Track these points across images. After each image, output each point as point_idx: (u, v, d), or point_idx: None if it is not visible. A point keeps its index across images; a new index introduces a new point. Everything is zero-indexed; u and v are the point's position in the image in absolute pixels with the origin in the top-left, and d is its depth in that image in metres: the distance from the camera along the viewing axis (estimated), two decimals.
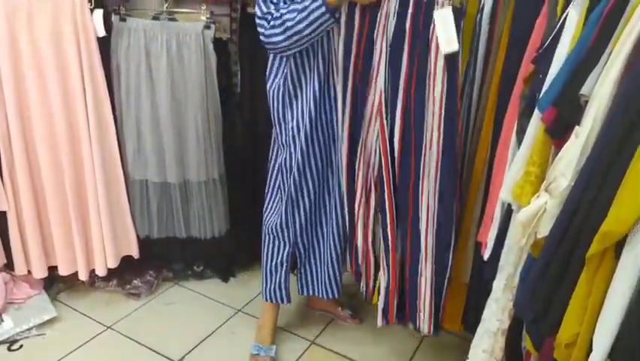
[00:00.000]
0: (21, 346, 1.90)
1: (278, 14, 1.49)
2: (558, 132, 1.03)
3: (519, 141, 1.18)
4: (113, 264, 2.07)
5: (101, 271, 2.08)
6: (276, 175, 1.79)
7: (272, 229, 1.82)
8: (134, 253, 2.14)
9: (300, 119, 1.67)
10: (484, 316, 1.34)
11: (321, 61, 1.61)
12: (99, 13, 1.86)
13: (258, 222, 2.34)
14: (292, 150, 1.69)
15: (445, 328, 1.75)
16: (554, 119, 1.02)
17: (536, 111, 1.09)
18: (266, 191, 1.84)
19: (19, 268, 2.03)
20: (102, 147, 1.95)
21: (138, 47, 1.93)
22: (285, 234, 1.80)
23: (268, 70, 1.69)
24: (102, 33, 1.87)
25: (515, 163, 1.16)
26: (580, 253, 0.90)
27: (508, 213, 1.26)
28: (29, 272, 2.05)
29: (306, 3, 1.46)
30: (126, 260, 2.15)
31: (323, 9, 1.45)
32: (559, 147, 1.02)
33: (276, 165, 1.78)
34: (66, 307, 2.12)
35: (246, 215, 2.28)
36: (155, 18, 1.98)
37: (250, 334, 1.96)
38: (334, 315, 2.10)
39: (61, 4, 1.80)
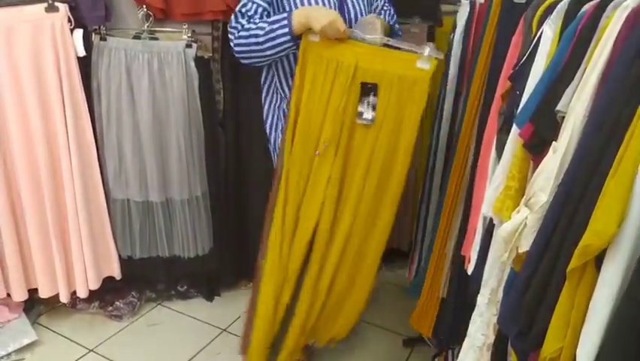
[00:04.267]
0: None
1: (247, 25, 1.52)
2: (536, 148, 1.04)
3: (499, 156, 1.19)
4: (94, 285, 2.04)
5: (82, 293, 2.04)
6: None
7: None
8: (116, 274, 2.11)
9: None
10: (470, 331, 1.34)
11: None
12: (79, 32, 1.84)
13: (243, 240, 2.33)
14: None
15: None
16: (531, 135, 1.03)
17: (514, 127, 1.10)
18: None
19: None
20: (83, 167, 1.92)
21: (119, 67, 1.92)
22: None
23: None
24: (82, 53, 1.85)
25: (495, 178, 1.17)
26: (561, 267, 0.91)
27: (490, 227, 1.27)
28: (8, 295, 2.00)
29: (274, 26, 1.48)
30: (108, 281, 2.11)
31: (288, 36, 1.48)
32: (537, 162, 1.03)
33: None
34: (47, 331, 2.07)
35: (230, 233, 2.26)
36: (136, 37, 1.97)
37: (235, 355, 1.92)
38: None
39: (40, 24, 1.79)
